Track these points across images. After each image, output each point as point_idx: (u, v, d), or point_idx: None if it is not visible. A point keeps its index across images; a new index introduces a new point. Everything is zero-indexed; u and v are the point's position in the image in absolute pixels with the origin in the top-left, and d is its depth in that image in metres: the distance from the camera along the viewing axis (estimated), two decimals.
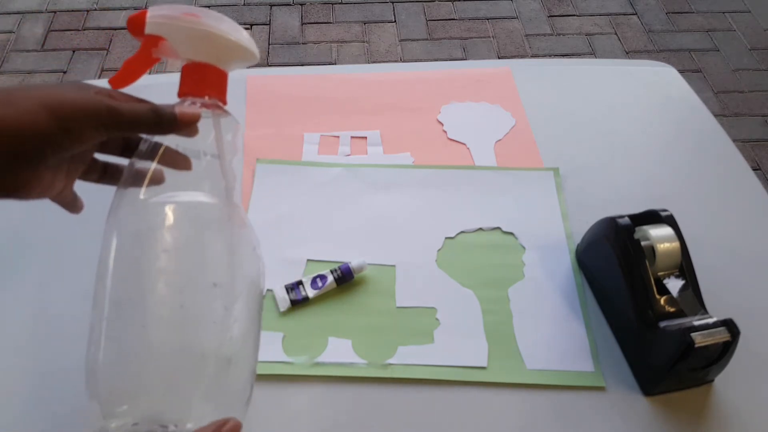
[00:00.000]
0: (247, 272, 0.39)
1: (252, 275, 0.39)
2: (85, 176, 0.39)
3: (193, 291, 0.36)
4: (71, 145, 0.33)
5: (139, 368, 0.35)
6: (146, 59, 0.39)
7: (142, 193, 0.37)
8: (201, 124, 0.37)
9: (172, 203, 0.37)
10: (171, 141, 0.38)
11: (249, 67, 0.42)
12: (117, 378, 0.35)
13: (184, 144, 0.38)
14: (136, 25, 0.38)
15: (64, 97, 0.32)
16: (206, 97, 0.38)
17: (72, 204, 0.40)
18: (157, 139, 0.38)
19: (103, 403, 0.34)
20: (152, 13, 0.37)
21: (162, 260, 0.36)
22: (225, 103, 0.40)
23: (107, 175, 0.40)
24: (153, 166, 0.37)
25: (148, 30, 0.37)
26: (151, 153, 0.38)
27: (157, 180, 0.37)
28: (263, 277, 0.40)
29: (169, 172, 0.38)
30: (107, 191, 0.39)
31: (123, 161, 0.39)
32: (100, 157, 0.39)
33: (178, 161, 0.38)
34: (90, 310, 0.35)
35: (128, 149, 0.39)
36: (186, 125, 0.36)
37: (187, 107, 0.37)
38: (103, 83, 0.40)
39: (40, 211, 0.61)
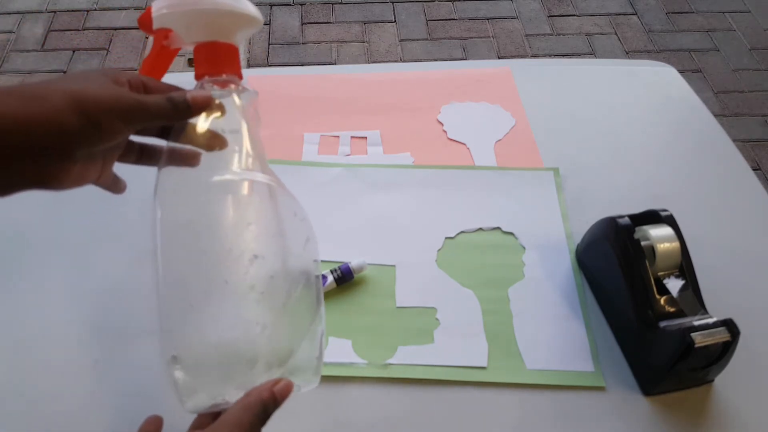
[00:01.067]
0: (291, 239, 0.39)
1: (297, 241, 0.39)
2: (123, 159, 0.40)
3: (235, 266, 0.37)
4: (100, 140, 0.33)
5: (197, 348, 0.36)
6: (162, 54, 0.40)
7: (183, 173, 0.38)
8: (225, 102, 0.38)
9: (212, 181, 0.38)
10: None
11: (249, 67, 0.42)
12: (182, 362, 0.36)
13: (214, 124, 0.38)
14: (145, 23, 0.38)
15: (93, 94, 0.32)
16: (223, 75, 0.39)
17: (114, 186, 0.41)
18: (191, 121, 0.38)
19: (177, 389, 0.35)
20: (156, 7, 0.38)
21: (202, 239, 0.37)
22: (241, 77, 0.40)
23: (144, 156, 0.40)
24: (189, 147, 0.38)
25: (155, 25, 0.38)
26: (187, 135, 0.38)
27: (194, 160, 0.38)
28: (313, 240, 0.40)
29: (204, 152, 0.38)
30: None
31: (159, 141, 0.40)
32: (136, 139, 0.39)
33: (213, 141, 0.38)
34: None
35: (165, 131, 0.39)
36: (200, 108, 0.36)
37: (198, 91, 0.37)
38: None
39: (57, 204, 0.61)
